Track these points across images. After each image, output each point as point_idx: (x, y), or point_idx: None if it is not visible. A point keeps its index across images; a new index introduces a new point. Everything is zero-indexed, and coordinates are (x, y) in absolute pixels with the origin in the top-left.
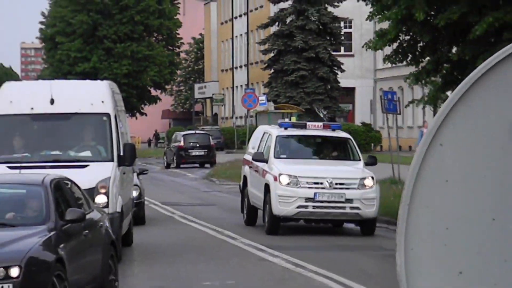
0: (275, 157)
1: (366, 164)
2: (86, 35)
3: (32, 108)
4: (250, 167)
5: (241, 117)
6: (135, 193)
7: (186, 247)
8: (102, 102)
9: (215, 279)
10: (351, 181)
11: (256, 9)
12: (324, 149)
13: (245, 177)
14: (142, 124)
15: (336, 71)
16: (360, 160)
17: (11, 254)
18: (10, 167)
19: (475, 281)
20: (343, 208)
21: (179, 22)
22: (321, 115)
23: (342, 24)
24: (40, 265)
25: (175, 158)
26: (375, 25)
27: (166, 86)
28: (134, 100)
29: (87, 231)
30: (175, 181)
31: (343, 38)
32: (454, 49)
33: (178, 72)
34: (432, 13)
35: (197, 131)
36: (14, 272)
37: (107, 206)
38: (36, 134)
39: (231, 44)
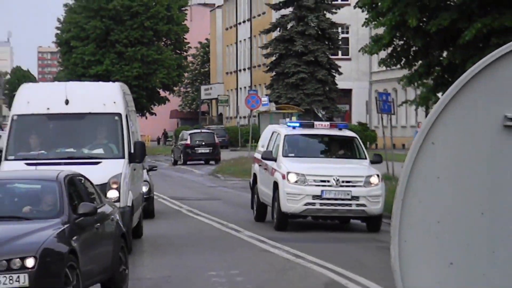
0: (284, 156)
1: (372, 162)
2: (99, 40)
3: (48, 108)
4: (260, 165)
5: (244, 117)
6: (145, 188)
7: (193, 239)
8: (114, 102)
9: (220, 269)
10: (357, 179)
11: (259, 15)
12: (331, 148)
13: (255, 175)
14: (152, 124)
15: (334, 74)
16: (366, 158)
17: (27, 246)
18: (27, 164)
19: (465, 271)
20: (350, 205)
21: (187, 28)
22: (320, 115)
23: (339, 29)
24: (54, 256)
25: (182, 155)
26: (371, 31)
27: (174, 88)
28: (144, 100)
29: (98, 224)
30: (183, 177)
31: (340, 43)
32: (445, 53)
33: (186, 74)
34: (424, 19)
35: (203, 130)
36: (30, 262)
37: (118, 200)
38: (52, 133)
39: (235, 48)
